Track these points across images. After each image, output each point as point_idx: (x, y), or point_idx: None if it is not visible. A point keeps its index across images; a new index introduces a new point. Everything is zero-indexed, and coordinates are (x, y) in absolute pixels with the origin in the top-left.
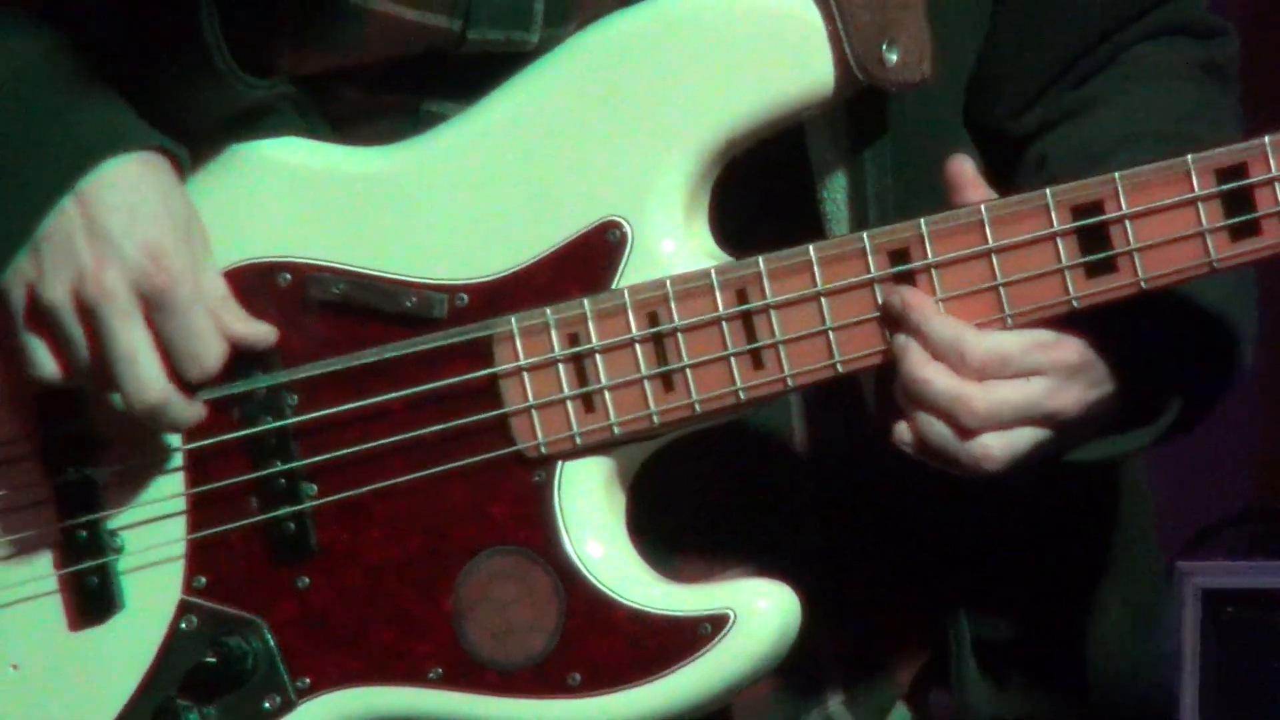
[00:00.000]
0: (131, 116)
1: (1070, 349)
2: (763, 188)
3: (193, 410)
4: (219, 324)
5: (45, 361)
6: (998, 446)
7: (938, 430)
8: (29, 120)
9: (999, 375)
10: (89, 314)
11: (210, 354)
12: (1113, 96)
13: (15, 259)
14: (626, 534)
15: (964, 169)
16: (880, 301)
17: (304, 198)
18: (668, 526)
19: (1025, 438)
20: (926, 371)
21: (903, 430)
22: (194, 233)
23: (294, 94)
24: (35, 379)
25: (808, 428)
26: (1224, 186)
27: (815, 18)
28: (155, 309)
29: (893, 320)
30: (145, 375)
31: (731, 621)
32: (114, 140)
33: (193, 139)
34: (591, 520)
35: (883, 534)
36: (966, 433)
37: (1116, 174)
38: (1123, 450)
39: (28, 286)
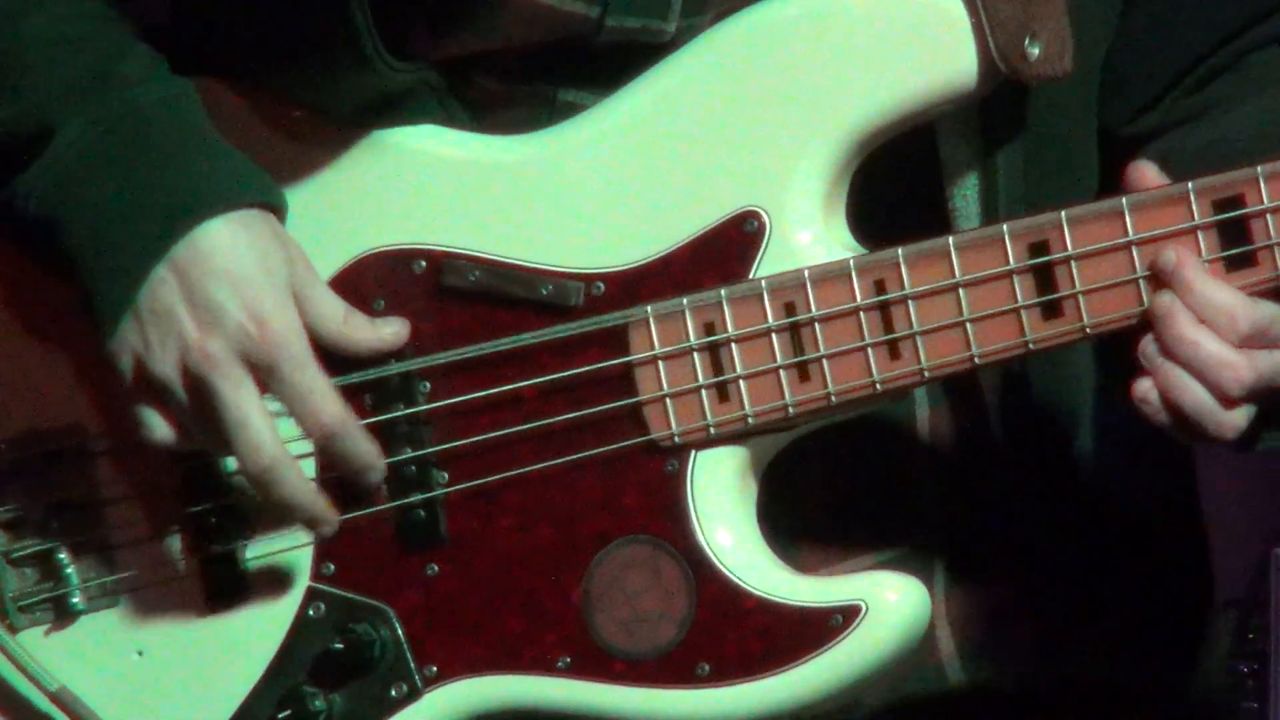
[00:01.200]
0: (227, 167)
1: None
2: (893, 186)
3: (304, 481)
4: (347, 342)
5: (159, 427)
6: (1244, 417)
7: (1195, 393)
8: (123, 182)
9: (1257, 345)
10: (198, 384)
11: (326, 410)
12: (1234, 101)
13: (119, 327)
14: (756, 525)
15: (1146, 174)
16: (1018, 292)
17: (441, 186)
18: (790, 515)
19: (1251, 411)
20: (1198, 334)
21: (1146, 389)
22: (299, 278)
23: (434, 80)
24: (150, 443)
25: (931, 420)
26: None
27: (960, 10)
28: (265, 374)
29: (1155, 279)
30: (256, 440)
31: (864, 613)
32: (205, 202)
33: (334, 123)
34: (723, 510)
35: (1005, 527)
36: (1228, 401)
37: (1258, 168)
38: None
39: (136, 358)
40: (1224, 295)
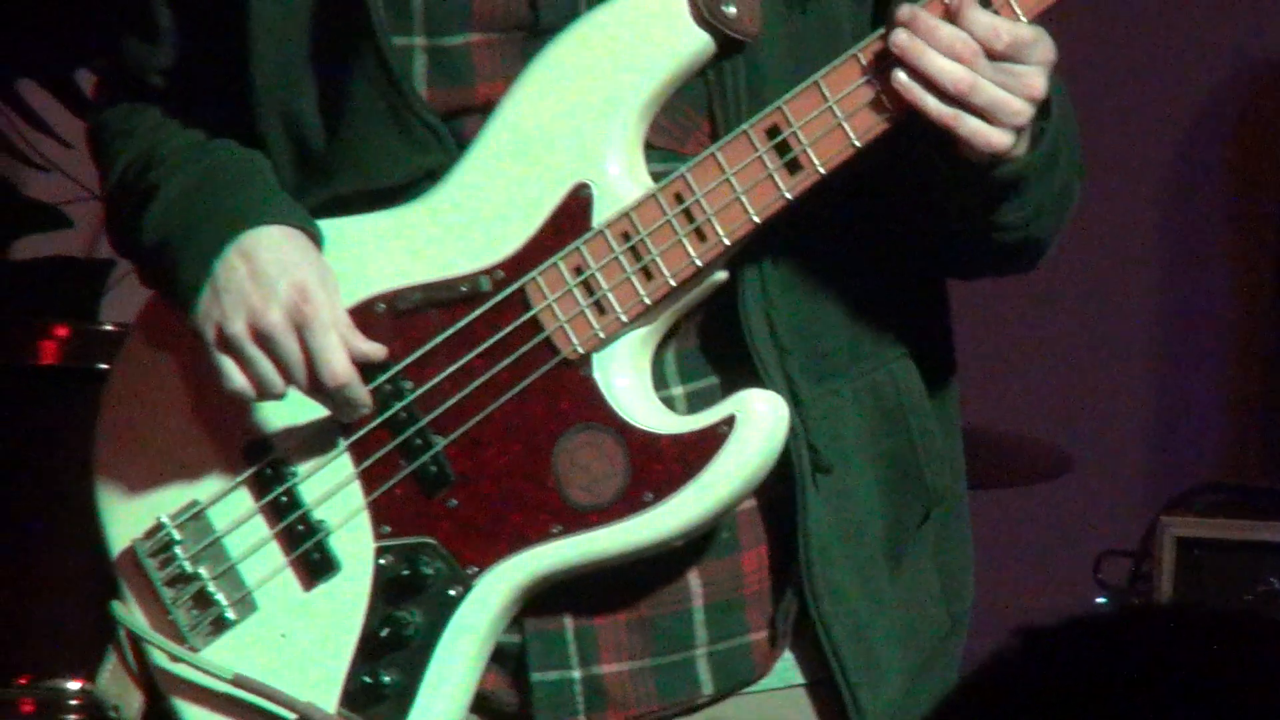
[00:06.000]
0: (283, 200)
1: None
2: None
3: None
4: (348, 344)
5: (235, 376)
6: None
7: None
8: (213, 198)
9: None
10: (262, 338)
11: (339, 363)
12: None
13: (199, 299)
14: (652, 388)
15: None
16: (767, 163)
17: (377, 247)
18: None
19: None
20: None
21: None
22: (328, 281)
23: None
24: (229, 391)
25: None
26: None
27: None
28: (303, 330)
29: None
30: (303, 376)
31: (739, 419)
32: (265, 215)
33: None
34: (627, 386)
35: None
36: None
37: None
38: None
39: (215, 324)
40: (978, 14)
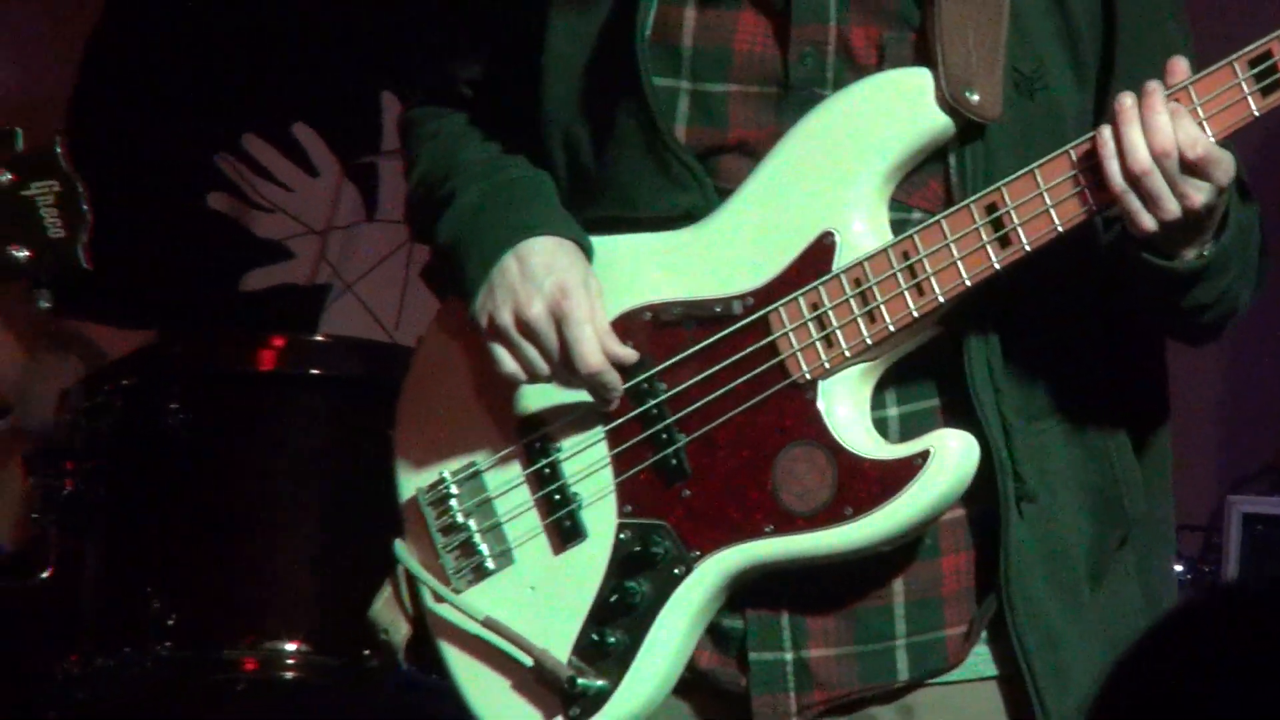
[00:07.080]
0: (560, 216)
1: None
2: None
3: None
4: (605, 346)
5: (507, 362)
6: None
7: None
8: (500, 211)
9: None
10: (525, 329)
11: (592, 354)
12: None
13: (478, 294)
14: (869, 416)
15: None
16: (982, 237)
17: (648, 264)
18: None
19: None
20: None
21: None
22: (590, 284)
23: None
24: (502, 374)
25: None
26: None
27: (927, 82)
28: (561, 323)
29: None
30: (560, 361)
31: (933, 454)
32: (543, 226)
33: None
34: (845, 413)
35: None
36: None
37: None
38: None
39: (489, 315)
40: (1190, 125)
